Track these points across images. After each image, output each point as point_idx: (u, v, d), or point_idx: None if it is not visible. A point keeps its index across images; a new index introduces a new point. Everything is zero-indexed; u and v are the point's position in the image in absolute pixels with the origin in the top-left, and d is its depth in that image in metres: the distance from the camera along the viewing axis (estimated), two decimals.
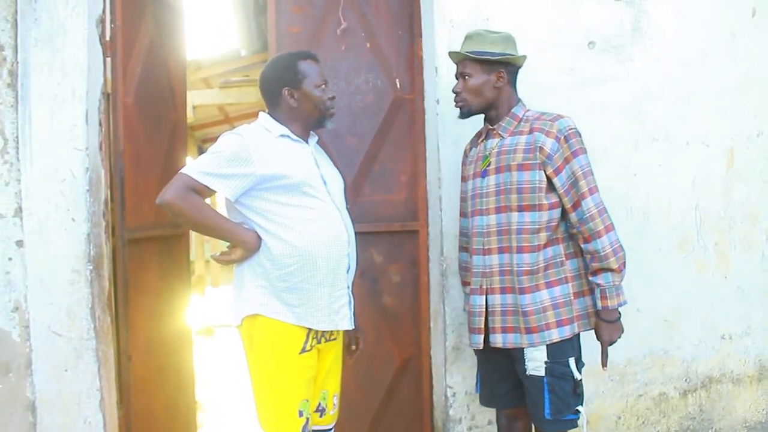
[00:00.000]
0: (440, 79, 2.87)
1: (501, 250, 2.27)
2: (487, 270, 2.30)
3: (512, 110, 2.34)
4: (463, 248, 2.56)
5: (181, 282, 3.40)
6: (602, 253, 2.19)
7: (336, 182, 2.29)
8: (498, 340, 2.28)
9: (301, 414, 2.09)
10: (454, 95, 2.38)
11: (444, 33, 2.87)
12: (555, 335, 2.21)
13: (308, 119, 2.24)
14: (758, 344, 3.24)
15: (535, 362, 2.22)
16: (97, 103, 2.69)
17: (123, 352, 2.81)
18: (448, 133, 2.86)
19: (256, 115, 2.35)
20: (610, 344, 2.29)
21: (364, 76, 3.09)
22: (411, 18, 3.09)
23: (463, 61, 2.34)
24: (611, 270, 2.20)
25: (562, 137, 2.21)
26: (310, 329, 2.12)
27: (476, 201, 2.35)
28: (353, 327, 2.26)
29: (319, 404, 2.25)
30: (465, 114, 2.38)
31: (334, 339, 2.26)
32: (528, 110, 2.35)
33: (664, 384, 3.11)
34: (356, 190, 3.04)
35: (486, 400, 2.48)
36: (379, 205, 3.08)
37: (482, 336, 2.31)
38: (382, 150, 3.09)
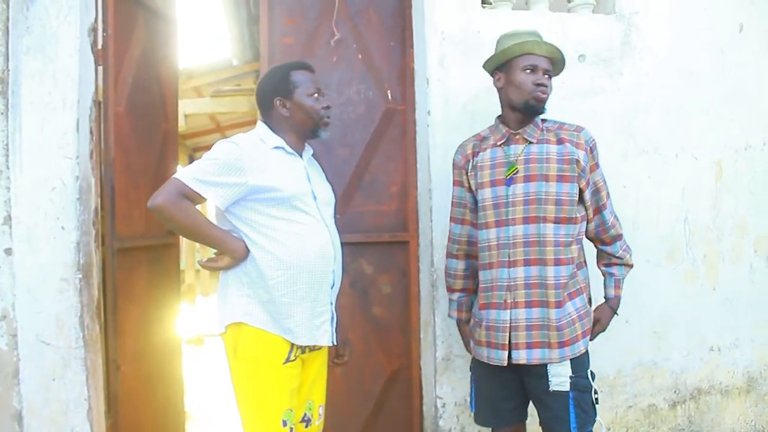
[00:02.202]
0: (431, 91, 2.89)
1: (528, 263, 2.20)
2: (512, 283, 2.22)
3: (535, 119, 2.30)
4: (453, 255, 2.51)
5: (170, 291, 3.38)
6: (620, 253, 2.38)
7: (327, 198, 2.28)
8: (522, 356, 2.19)
9: (285, 424, 2.07)
10: (539, 86, 2.22)
11: (435, 45, 2.89)
12: (581, 347, 2.21)
13: (302, 129, 2.23)
14: (746, 356, 3.26)
15: (560, 377, 2.17)
16: (88, 112, 2.69)
17: (111, 362, 2.79)
18: (438, 144, 2.87)
19: (247, 124, 2.36)
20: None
21: (355, 87, 3.10)
22: (403, 30, 3.10)
23: (549, 58, 2.26)
24: (627, 265, 2.41)
25: (588, 148, 2.25)
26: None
27: (500, 210, 2.24)
28: (334, 343, 2.24)
29: (305, 414, 2.24)
30: (541, 111, 2.27)
31: (319, 349, 2.25)
32: (545, 119, 2.32)
33: (653, 395, 3.12)
34: (347, 200, 3.04)
35: (485, 419, 2.37)
36: (369, 216, 3.08)
37: (506, 352, 2.21)
38: (373, 161, 3.09)
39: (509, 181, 2.23)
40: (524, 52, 2.24)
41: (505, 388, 2.31)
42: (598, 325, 2.35)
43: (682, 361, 3.17)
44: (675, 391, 3.16)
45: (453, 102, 2.90)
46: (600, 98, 3.05)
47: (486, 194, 2.29)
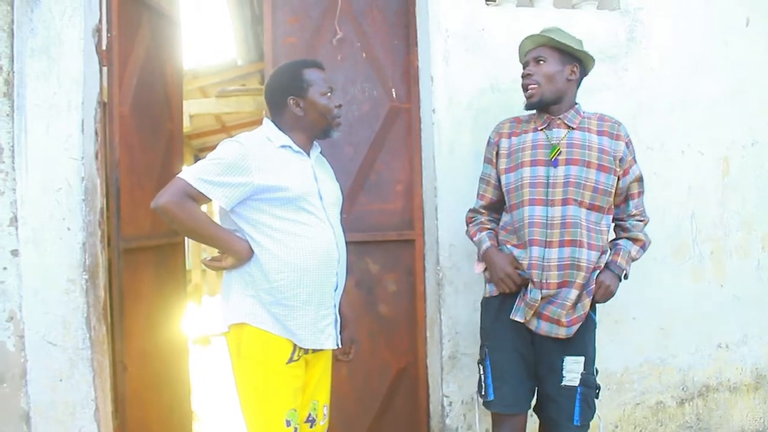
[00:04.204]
0: (436, 89, 2.88)
1: (562, 244, 2.24)
2: (546, 263, 2.25)
3: (575, 107, 2.37)
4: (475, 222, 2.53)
5: (176, 291, 3.39)
6: (632, 228, 2.39)
7: (333, 197, 2.25)
8: (544, 327, 2.27)
9: (288, 424, 2.06)
10: (524, 78, 2.33)
11: (440, 43, 2.88)
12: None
13: (314, 128, 2.21)
14: (755, 352, 3.25)
15: (573, 374, 2.26)
16: (93, 113, 2.69)
17: (118, 362, 2.80)
18: (443, 142, 2.87)
19: (253, 124, 2.35)
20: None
21: (360, 85, 3.09)
22: (407, 28, 3.10)
23: (542, 46, 2.33)
24: (636, 240, 2.40)
25: (628, 141, 2.36)
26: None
27: (537, 190, 2.28)
28: (339, 346, 2.22)
29: (309, 415, 2.23)
30: (535, 103, 2.32)
31: (323, 349, 2.24)
32: (584, 111, 2.40)
33: (661, 392, 3.11)
34: (352, 199, 3.03)
35: (505, 404, 2.33)
36: (375, 215, 3.08)
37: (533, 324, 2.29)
38: (378, 159, 3.09)
39: (555, 163, 2.28)
40: (525, 51, 2.42)
41: (527, 370, 2.34)
42: (601, 288, 2.30)
43: (690, 359, 3.15)
44: (683, 389, 3.15)
45: (458, 100, 2.89)
46: (605, 95, 3.03)
47: (524, 173, 2.31)
